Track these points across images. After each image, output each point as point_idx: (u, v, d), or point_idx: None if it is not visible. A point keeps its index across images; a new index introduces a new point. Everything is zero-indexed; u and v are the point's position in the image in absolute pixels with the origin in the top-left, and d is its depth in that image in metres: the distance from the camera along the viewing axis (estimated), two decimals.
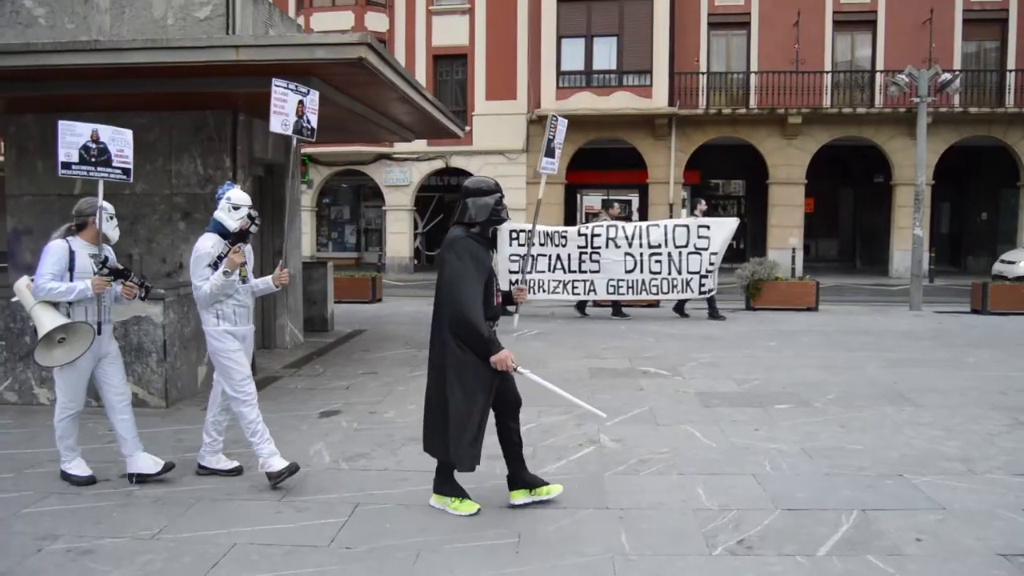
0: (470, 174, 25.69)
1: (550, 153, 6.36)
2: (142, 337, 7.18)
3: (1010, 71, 24.12)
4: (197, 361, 7.79)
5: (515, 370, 4.69)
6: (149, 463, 5.22)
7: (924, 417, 6.92)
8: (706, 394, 7.70)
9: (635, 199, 28.95)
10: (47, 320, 4.96)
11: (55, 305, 5.03)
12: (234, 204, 5.23)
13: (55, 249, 5.10)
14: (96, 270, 5.10)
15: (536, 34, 24.50)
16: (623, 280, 13.36)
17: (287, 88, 6.39)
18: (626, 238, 13.28)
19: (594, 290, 13.51)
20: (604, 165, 26.59)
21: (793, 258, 22.94)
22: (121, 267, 5.29)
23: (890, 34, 24.20)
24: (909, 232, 18.48)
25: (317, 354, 10.09)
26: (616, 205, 15.03)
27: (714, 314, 13.45)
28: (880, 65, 24.20)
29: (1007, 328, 12.61)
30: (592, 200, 30.66)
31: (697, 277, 13.31)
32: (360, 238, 30.64)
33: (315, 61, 7.14)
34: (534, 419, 6.76)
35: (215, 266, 5.10)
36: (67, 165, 6.31)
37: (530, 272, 13.40)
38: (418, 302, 16.38)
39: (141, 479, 5.18)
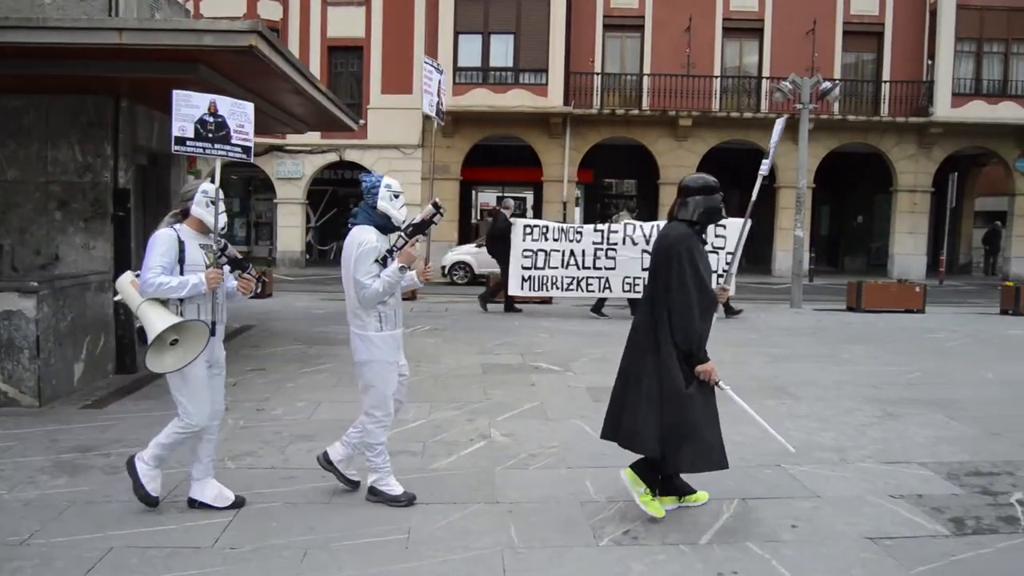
0: (364, 168, 25.41)
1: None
2: (12, 332, 6.81)
3: (885, 82, 25.40)
4: (73, 358, 7.46)
5: (717, 384, 4.60)
6: (216, 494, 4.66)
7: (802, 409, 7.24)
8: (597, 389, 7.83)
9: (530, 197, 29.23)
10: (157, 320, 4.35)
11: (164, 303, 4.44)
12: (395, 192, 4.72)
13: (163, 239, 4.48)
14: (209, 262, 4.53)
15: (433, 29, 24.40)
16: (639, 278, 13.07)
17: (433, 67, 5.52)
18: (644, 236, 13.08)
19: (609, 287, 13.34)
20: (499, 162, 26.71)
21: None
22: (240, 257, 4.74)
23: (776, 42, 25.14)
24: (791, 233, 19.24)
25: None
26: (510, 201, 14.95)
27: (729, 311, 13.61)
28: (766, 72, 25.09)
29: (878, 325, 13.29)
30: (487, 197, 30.79)
31: (714, 276, 13.31)
32: (250, 231, 29.89)
33: (202, 47, 6.92)
34: (425, 415, 6.77)
35: (383, 262, 4.57)
36: (181, 140, 5.56)
37: (542, 268, 13.33)
38: (309, 297, 16.13)
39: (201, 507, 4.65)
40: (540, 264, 13.27)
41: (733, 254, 13.02)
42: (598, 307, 13.86)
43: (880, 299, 15.14)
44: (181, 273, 4.43)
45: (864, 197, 28.80)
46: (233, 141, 6.32)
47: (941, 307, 16.55)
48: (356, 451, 4.86)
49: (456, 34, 24.09)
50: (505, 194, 28.91)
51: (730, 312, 13.67)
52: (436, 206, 4.69)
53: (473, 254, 21.74)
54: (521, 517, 4.57)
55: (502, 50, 24.38)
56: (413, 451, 5.81)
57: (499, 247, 13.74)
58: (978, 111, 24.77)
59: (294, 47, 24.91)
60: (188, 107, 7.94)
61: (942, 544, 4.33)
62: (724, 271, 12.99)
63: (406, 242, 4.57)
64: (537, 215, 26.05)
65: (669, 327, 4.41)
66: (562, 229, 13.47)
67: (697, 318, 4.40)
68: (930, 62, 25.13)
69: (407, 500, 4.74)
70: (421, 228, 4.64)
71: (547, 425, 6.54)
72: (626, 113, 24.56)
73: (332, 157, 25.83)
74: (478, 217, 30.34)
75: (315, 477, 5.09)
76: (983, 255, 30.34)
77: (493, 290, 14.46)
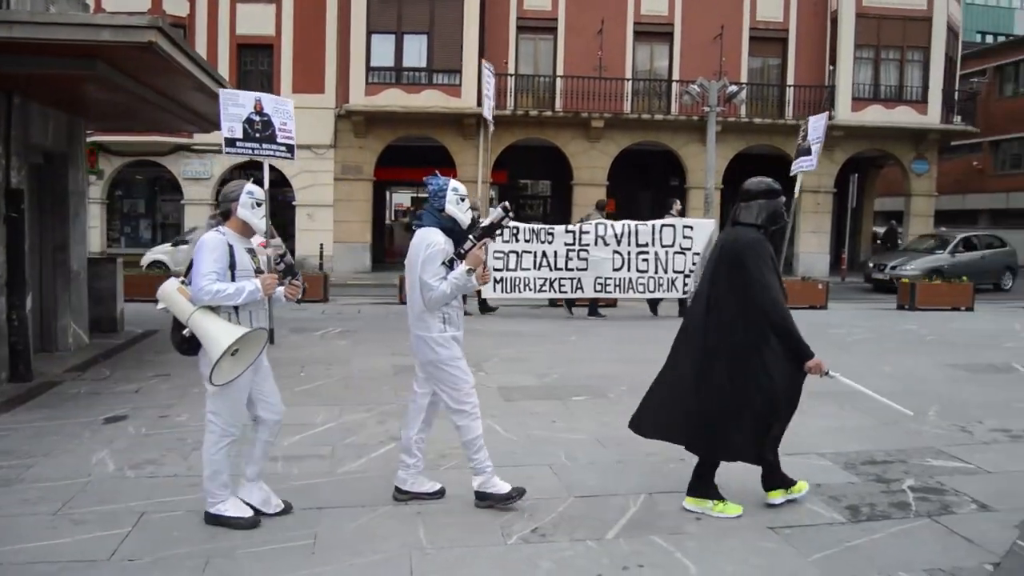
0: (274, 168, 24.95)
1: (806, 152, 5.77)
2: None
3: (790, 86, 26.18)
4: None
5: (827, 374, 4.66)
6: (242, 506, 4.47)
7: None
8: (508, 388, 7.88)
9: None
10: (221, 331, 4.10)
11: (216, 311, 4.22)
12: (461, 195, 4.67)
13: (214, 243, 4.23)
14: (258, 266, 4.37)
15: (345, 28, 24.09)
16: (611, 278, 13.33)
17: (490, 71, 5.22)
18: (615, 236, 13.27)
19: (581, 288, 13.39)
20: (413, 163, 26.46)
21: None
22: (292, 263, 4.60)
23: (685, 46, 25.65)
24: None
25: (104, 356, 9.46)
26: (476, 202, 14.87)
27: (655, 310, 14.07)
28: (676, 75, 25.56)
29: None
30: (402, 198, 30.59)
31: (681, 276, 13.56)
32: (156, 233, 28.99)
33: (100, 43, 6.68)
34: (335, 418, 6.69)
35: (450, 265, 4.54)
36: (231, 142, 5.12)
37: (514, 270, 13.20)
38: None
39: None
40: (512, 266, 13.25)
41: (699, 255, 13.07)
42: (593, 309, 13.99)
43: (790, 296, 15.58)
44: (232, 279, 4.23)
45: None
46: (279, 140, 5.79)
47: (843, 303, 17.16)
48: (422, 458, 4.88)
49: (369, 34, 23.84)
50: (419, 195, 28.74)
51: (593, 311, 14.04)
52: (506, 209, 4.66)
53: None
54: (430, 518, 4.56)
55: (415, 50, 24.24)
56: (322, 455, 5.73)
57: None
58: (876, 115, 25.76)
59: (201, 44, 24.29)
60: (235, 106, 7.32)
61: (838, 531, 4.49)
62: (691, 271, 13.44)
63: (474, 244, 4.55)
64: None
65: (753, 328, 4.46)
66: (533, 230, 13.48)
67: (789, 319, 4.48)
68: (831, 68, 26.01)
69: (518, 495, 4.71)
70: (490, 231, 4.63)
71: None
72: (539, 114, 24.72)
73: (242, 157, 25.21)
74: (392, 218, 30.12)
75: None
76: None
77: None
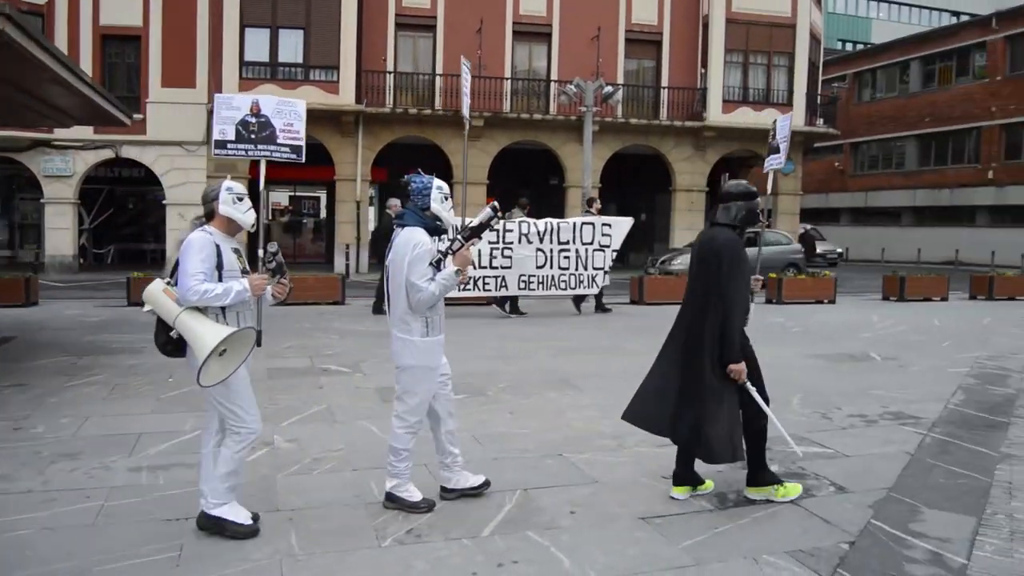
0: (143, 165, 23.96)
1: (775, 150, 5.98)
2: None
3: (664, 88, 26.93)
4: None
5: (744, 384, 4.70)
6: (243, 512, 4.32)
7: (584, 400, 7.52)
8: (386, 389, 7.76)
9: (323, 196, 28.66)
10: (208, 331, 3.98)
11: (203, 311, 4.09)
12: (446, 194, 4.58)
13: (201, 243, 4.11)
14: (244, 266, 4.26)
15: (217, 20, 23.33)
16: (534, 276, 13.34)
17: (468, 68, 5.23)
18: (538, 234, 13.34)
19: (505, 286, 13.31)
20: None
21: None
22: (282, 262, 4.43)
23: (563, 47, 26.02)
24: None
25: None
26: (396, 201, 14.52)
27: (601, 307, 14.34)
28: (555, 75, 25.92)
29: (658, 317, 14.05)
30: (279, 196, 29.88)
31: (601, 273, 13.78)
32: (14, 234, 27.36)
33: None
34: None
35: (436, 265, 4.44)
36: (222, 144, 4.88)
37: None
38: (83, 305, 14.95)
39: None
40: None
41: (616, 251, 13.29)
42: (514, 306, 13.98)
43: (660, 292, 16.04)
44: (219, 279, 4.12)
45: (647, 196, 30.43)
46: (279, 141, 5.62)
47: None
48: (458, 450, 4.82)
49: (243, 27, 23.17)
50: (297, 194, 28.21)
51: (601, 309, 14.37)
52: (495, 209, 4.57)
53: None
54: (302, 524, 4.44)
55: (291, 45, 23.72)
56: (190, 463, 5.49)
57: (384, 248, 13.28)
58: (745, 117, 26.80)
59: (62, 34, 23.08)
60: (229, 110, 7.00)
61: (707, 518, 4.63)
62: (609, 267, 13.91)
63: (463, 245, 4.48)
64: (330, 215, 25.58)
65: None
66: (456, 228, 13.19)
67: (736, 320, 4.64)
68: (703, 70, 26.91)
69: (427, 507, 4.63)
70: (479, 231, 4.55)
71: (333, 428, 6.42)
72: (419, 112, 24.60)
73: (107, 154, 24.08)
74: (269, 217, 29.37)
75: (79, 498, 4.72)
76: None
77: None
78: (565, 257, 13.61)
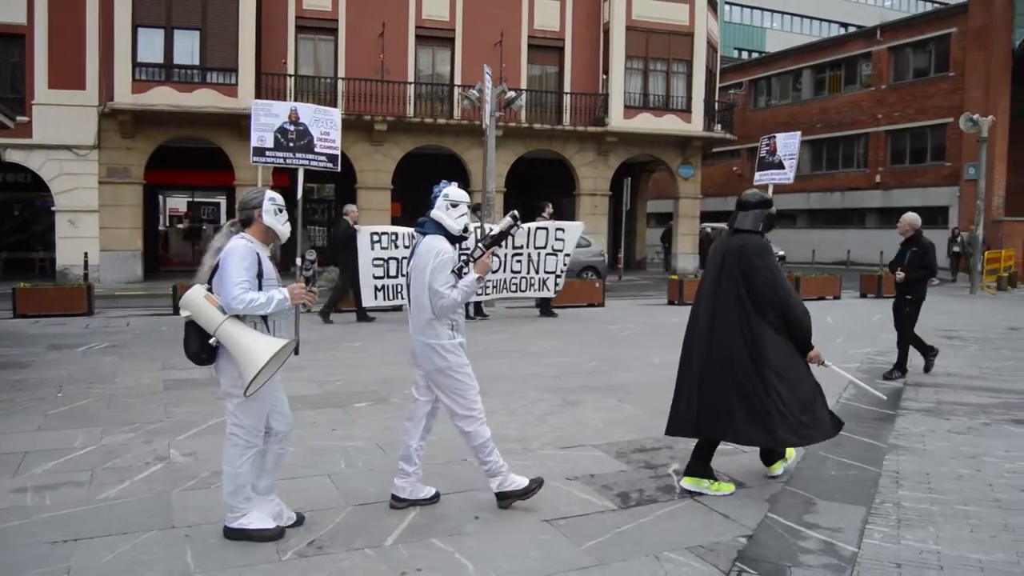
0: (28, 170, 22.83)
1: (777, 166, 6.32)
2: None
3: (567, 94, 27.24)
4: None
5: (823, 363, 5.12)
6: (265, 517, 4.34)
7: (492, 404, 7.45)
8: (294, 399, 7.59)
9: (223, 202, 27.94)
10: (258, 342, 3.99)
11: (243, 320, 4.07)
12: (452, 201, 4.60)
13: (243, 251, 4.09)
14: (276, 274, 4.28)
15: (108, 20, 22.43)
16: (489, 280, 13.30)
17: (490, 75, 5.22)
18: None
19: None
20: (189, 165, 25.25)
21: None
22: (317, 271, 4.47)
23: (467, 52, 26.03)
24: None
25: None
26: (353, 207, 14.26)
27: (547, 312, 14.54)
28: (458, 80, 25.91)
29: (563, 320, 14.21)
30: (177, 203, 29.01)
31: (552, 277, 13.89)
32: None
33: None
34: (95, 441, 6.19)
35: (458, 273, 4.56)
36: (260, 151, 4.77)
37: (395, 276, 12.75)
38: None
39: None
40: (393, 272, 12.87)
41: (569, 255, 13.41)
42: (477, 309, 14.08)
43: (567, 295, 16.15)
44: (259, 287, 4.12)
45: (552, 200, 30.68)
46: (317, 150, 5.53)
47: (619, 300, 18.03)
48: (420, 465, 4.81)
49: (135, 27, 22.36)
50: (196, 199, 27.44)
51: (548, 313, 14.53)
52: (514, 217, 4.76)
53: None
54: (199, 540, 4.30)
55: (187, 47, 23.01)
56: (78, 481, 5.26)
57: (342, 255, 13.28)
58: (646, 123, 27.34)
59: None
60: (268, 116, 6.76)
61: (610, 518, 4.68)
62: (562, 271, 14.05)
63: (483, 252, 4.61)
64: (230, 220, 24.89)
65: (764, 319, 4.93)
66: (412, 235, 13.01)
67: (804, 311, 4.99)
68: (605, 77, 27.33)
69: (537, 486, 4.74)
70: (499, 239, 4.74)
71: None
72: None
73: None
74: (166, 224, 28.49)
75: None
76: (662, 252, 33.48)
77: (335, 299, 13.90)
78: (517, 261, 13.81)
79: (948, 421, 7.09)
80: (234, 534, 4.29)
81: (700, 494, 5.06)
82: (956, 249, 26.22)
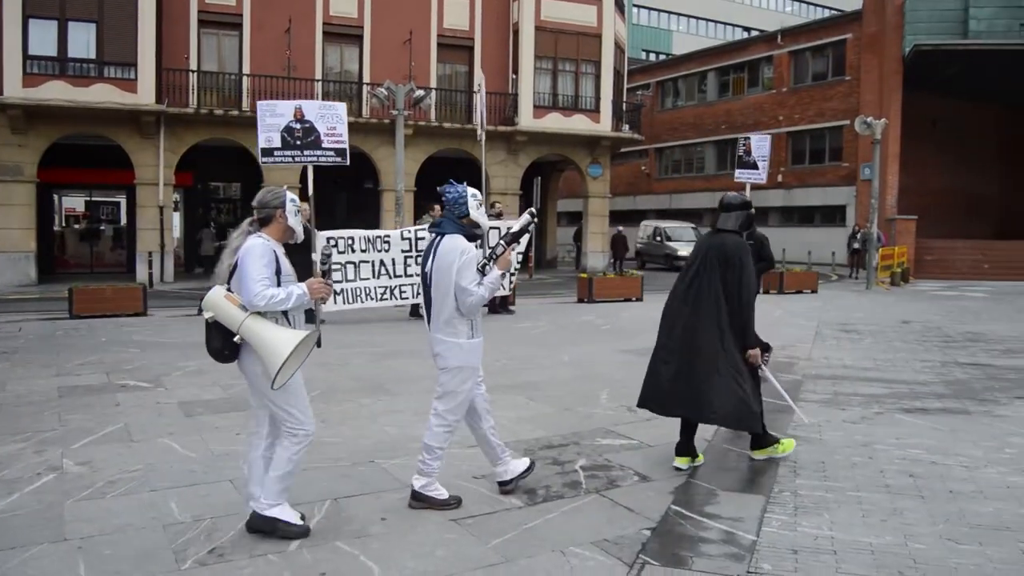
0: None
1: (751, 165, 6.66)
2: None
3: (476, 93, 27.20)
4: None
5: (760, 367, 5.55)
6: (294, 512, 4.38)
7: (399, 405, 7.47)
8: (189, 403, 7.41)
9: (123, 201, 26.97)
10: (281, 337, 4.09)
11: (264, 316, 4.16)
12: (479, 201, 4.77)
13: (261, 249, 4.18)
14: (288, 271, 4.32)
15: None
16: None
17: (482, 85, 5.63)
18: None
19: (421, 293, 12.80)
20: (86, 163, 24.27)
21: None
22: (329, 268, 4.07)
23: (375, 50, 25.77)
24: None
25: None
26: (305, 206, 13.88)
27: (504, 307, 14.72)
28: (367, 78, 25.62)
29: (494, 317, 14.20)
30: (74, 202, 27.88)
31: (507, 273, 13.56)
32: None
33: None
34: None
35: (481, 270, 4.66)
36: (268, 152, 5.04)
37: (353, 280, 12.60)
38: None
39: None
40: (351, 276, 12.71)
41: (522, 253, 13.41)
42: (416, 310, 13.98)
43: None
44: (278, 284, 4.20)
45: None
46: (324, 145, 5.62)
47: (530, 299, 18.13)
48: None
49: (25, 18, 21.37)
50: (94, 198, 26.45)
51: (503, 309, 14.64)
52: (532, 215, 4.99)
53: None
54: (93, 552, 4.14)
55: (82, 40, 22.12)
56: None
57: (296, 258, 12.79)
58: (555, 122, 27.57)
59: None
60: (273, 117, 6.74)
61: (516, 515, 4.70)
62: (516, 268, 14.22)
63: (505, 249, 4.75)
64: (131, 220, 24.13)
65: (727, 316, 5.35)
66: (368, 239, 13.02)
67: (753, 308, 5.44)
68: (514, 76, 27.45)
69: (456, 503, 4.78)
70: (518, 236, 4.90)
71: (130, 448, 6.02)
72: (226, 113, 23.61)
73: None
74: (62, 224, 27.38)
75: None
76: (573, 251, 33.82)
77: None
78: None
79: (844, 411, 7.37)
80: (263, 523, 4.31)
81: (615, 487, 5.14)
82: (856, 246, 27.25)
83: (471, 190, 4.83)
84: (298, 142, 7.88)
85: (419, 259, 13.28)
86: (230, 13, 24.26)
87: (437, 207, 15.40)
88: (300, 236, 4.47)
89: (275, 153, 8.10)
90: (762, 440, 5.76)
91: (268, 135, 7.87)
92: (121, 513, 4.67)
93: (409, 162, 24.65)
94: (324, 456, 5.73)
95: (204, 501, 4.83)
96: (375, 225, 26.33)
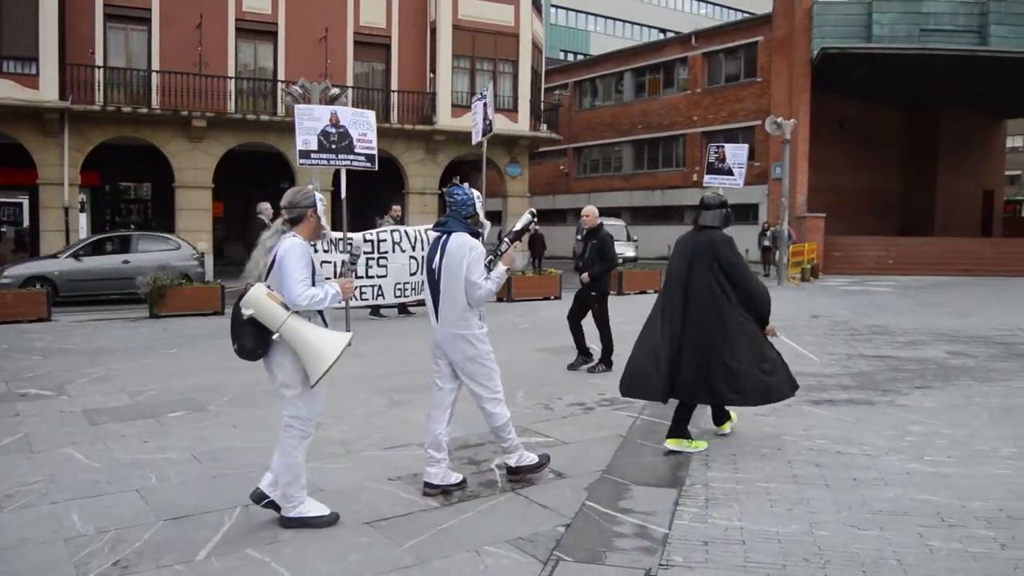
0: None
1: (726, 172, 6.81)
2: None
3: (394, 91, 27.05)
4: None
5: (775, 335, 6.11)
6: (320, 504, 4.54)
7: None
8: (95, 411, 7.16)
9: (25, 202, 25.93)
10: (324, 337, 4.29)
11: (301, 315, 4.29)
12: (482, 202, 5.15)
13: (300, 249, 4.28)
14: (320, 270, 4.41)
15: None
16: (408, 282, 13.73)
17: (478, 100, 6.06)
18: (410, 242, 13.67)
19: (382, 294, 13.29)
20: None
21: (202, 262, 22.41)
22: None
23: (290, 47, 25.32)
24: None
25: None
26: (266, 205, 13.58)
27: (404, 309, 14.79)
28: (282, 75, 25.15)
29: (395, 319, 14.11)
30: None
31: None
32: None
33: None
34: None
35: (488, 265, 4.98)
36: (305, 154, 5.98)
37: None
38: None
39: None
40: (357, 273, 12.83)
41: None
42: (376, 311, 14.22)
43: None
44: (312, 283, 4.27)
45: (382, 199, 30.45)
46: (356, 150, 5.80)
47: None
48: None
49: None
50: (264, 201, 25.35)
51: (403, 310, 14.69)
52: (532, 214, 5.43)
53: None
54: None
55: None
56: None
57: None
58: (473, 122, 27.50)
59: None
60: (311, 120, 7.06)
61: (432, 516, 4.68)
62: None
63: (509, 246, 5.14)
64: (34, 221, 23.19)
65: (730, 301, 5.79)
66: (332, 241, 12.75)
67: (767, 292, 6.00)
68: (432, 75, 27.34)
69: (546, 459, 5.32)
70: (520, 234, 5.30)
71: (31, 459, 5.77)
72: (134, 111, 22.88)
73: None
74: None
75: None
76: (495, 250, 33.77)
77: None
78: (414, 263, 13.97)
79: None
80: (293, 523, 4.39)
81: (531, 485, 5.15)
82: (766, 243, 27.97)
83: (476, 192, 5.19)
84: (333, 146, 8.27)
85: (380, 260, 13.51)
86: (138, 7, 23.49)
87: (397, 208, 15.58)
88: (328, 235, 4.62)
89: (312, 155, 8.64)
90: (722, 416, 6.40)
91: (305, 137, 8.36)
92: (19, 528, 4.48)
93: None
94: (236, 462, 5.61)
95: (108, 512, 4.67)
96: None
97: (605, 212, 41.20)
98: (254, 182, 28.22)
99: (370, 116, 8.95)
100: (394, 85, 27.15)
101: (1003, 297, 19.96)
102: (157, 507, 4.78)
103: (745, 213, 36.36)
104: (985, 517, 4.59)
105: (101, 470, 5.50)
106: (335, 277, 13.21)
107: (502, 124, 27.87)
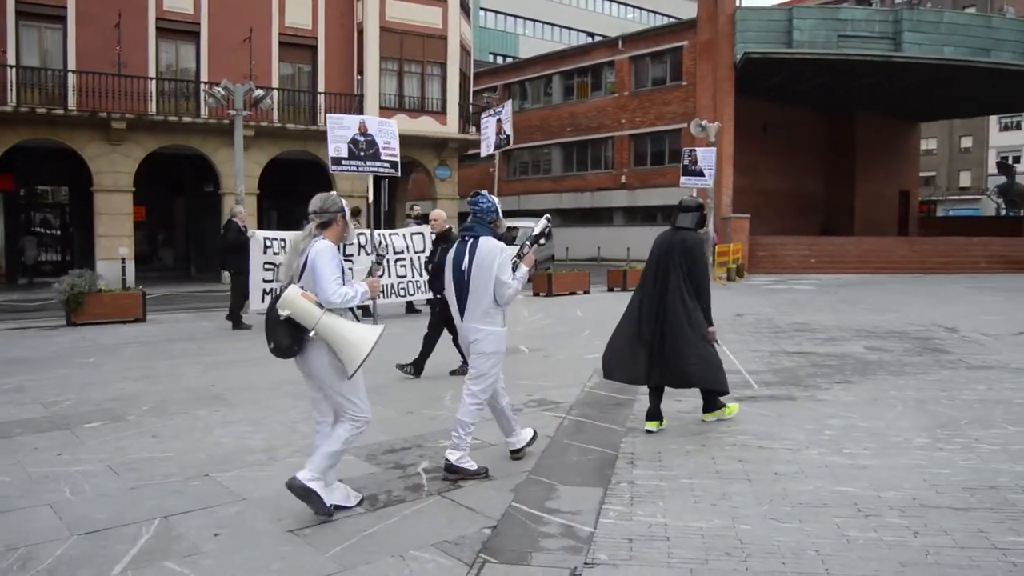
0: None
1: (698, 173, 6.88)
2: None
3: (321, 93, 26.72)
4: None
5: (715, 342, 6.59)
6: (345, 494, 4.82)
7: (236, 415, 7.21)
8: (7, 424, 6.89)
9: None
10: (359, 331, 4.52)
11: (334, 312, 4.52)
12: (501, 210, 5.60)
13: (331, 251, 4.57)
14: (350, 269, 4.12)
15: None
16: (393, 284, 14.13)
17: (490, 115, 6.59)
18: (374, 245, 13.56)
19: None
20: None
21: (124, 268, 21.83)
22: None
23: (213, 48, 24.83)
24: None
25: None
26: (241, 208, 13.30)
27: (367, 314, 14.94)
28: (205, 76, 24.63)
29: None
30: None
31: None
32: None
33: None
34: None
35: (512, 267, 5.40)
36: (337, 160, 7.08)
37: (271, 281, 12.56)
38: None
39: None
40: (268, 278, 12.58)
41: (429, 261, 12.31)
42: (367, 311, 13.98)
43: None
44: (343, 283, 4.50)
45: (307, 203, 30.08)
46: (382, 158, 6.18)
47: (382, 301, 17.88)
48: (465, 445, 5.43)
49: None
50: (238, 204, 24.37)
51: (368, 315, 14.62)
52: (548, 220, 5.93)
53: None
54: None
55: None
56: None
57: (234, 259, 12.82)
58: (402, 124, 26.84)
59: None
60: (341, 129, 7.96)
61: (357, 522, 4.63)
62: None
63: (530, 249, 5.60)
64: None
65: (696, 298, 6.39)
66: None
67: (710, 293, 6.57)
68: (360, 77, 27.10)
69: (485, 472, 5.41)
70: (538, 238, 5.70)
71: None
72: (49, 112, 22.15)
73: None
74: None
75: None
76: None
77: (239, 304, 13.18)
78: (402, 266, 14.44)
79: (680, 402, 7.63)
80: (303, 492, 4.50)
81: (457, 488, 5.14)
82: None
83: (496, 199, 5.67)
84: (362, 153, 8.53)
85: (345, 262, 13.33)
86: (52, 5, 22.79)
87: (418, 207, 16.23)
88: (353, 239, 4.84)
89: (343, 162, 8.82)
90: (713, 404, 6.82)
91: (337, 145, 8.75)
92: None
93: (251, 164, 23.94)
94: (155, 473, 5.46)
95: (19, 528, 4.49)
96: (217, 230, 25.44)
97: (536, 214, 41.53)
98: (176, 185, 27.65)
99: (393, 125, 9.29)
100: (321, 87, 26.83)
101: (919, 293, 20.66)
102: (71, 521, 4.62)
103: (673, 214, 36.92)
104: (899, 506, 4.74)
105: (12, 484, 5.29)
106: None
107: (430, 126, 27.89)
